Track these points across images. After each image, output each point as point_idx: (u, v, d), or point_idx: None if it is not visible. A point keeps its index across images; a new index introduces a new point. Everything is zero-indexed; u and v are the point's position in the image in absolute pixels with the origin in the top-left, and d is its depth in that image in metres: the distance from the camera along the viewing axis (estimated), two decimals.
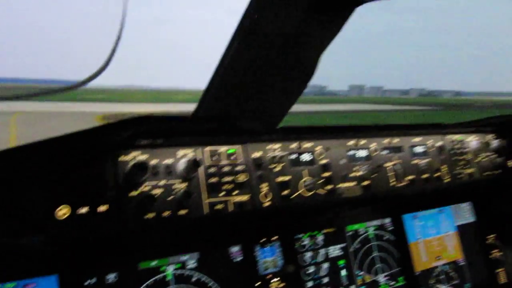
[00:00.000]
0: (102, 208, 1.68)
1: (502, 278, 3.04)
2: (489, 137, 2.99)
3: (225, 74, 1.92)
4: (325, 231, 2.48)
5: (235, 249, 2.19)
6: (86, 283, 1.82)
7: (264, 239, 2.27)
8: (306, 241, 2.41)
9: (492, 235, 3.08)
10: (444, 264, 2.86)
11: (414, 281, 2.70)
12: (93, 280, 1.83)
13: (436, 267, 2.82)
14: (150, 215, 1.77)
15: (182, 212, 1.84)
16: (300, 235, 2.40)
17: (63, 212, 1.61)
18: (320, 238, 2.45)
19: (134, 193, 1.76)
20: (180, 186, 1.86)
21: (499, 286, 3.01)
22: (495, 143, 2.93)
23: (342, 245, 2.52)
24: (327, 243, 2.48)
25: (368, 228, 2.64)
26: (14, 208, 1.55)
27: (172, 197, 1.83)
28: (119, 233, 1.74)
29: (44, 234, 1.59)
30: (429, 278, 2.77)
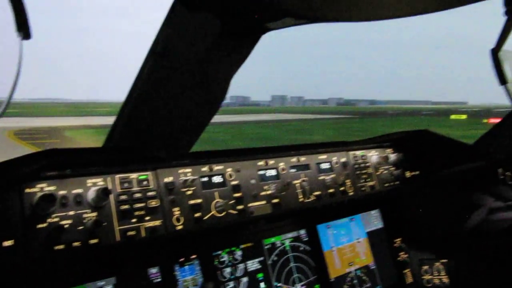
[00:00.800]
0: (7, 243, 1.62)
1: (409, 278, 3.29)
2: (388, 151, 3.25)
3: (137, 100, 1.94)
4: (243, 246, 2.55)
5: (153, 270, 2.19)
6: None
7: (182, 259, 2.29)
8: (225, 257, 2.47)
9: (398, 239, 3.33)
10: (356, 269, 3.04)
11: None
12: None
13: (350, 272, 3.00)
14: (60, 247, 1.73)
15: (93, 241, 1.82)
16: (219, 252, 2.45)
17: None
18: (238, 253, 2.52)
19: (41, 225, 1.72)
20: (90, 215, 1.84)
21: (406, 286, 3.26)
22: (393, 157, 3.19)
23: (260, 258, 2.60)
24: (246, 257, 2.55)
25: (284, 240, 2.75)
26: None
27: (82, 226, 1.81)
28: (31, 265, 1.69)
29: None
30: (343, 284, 2.93)
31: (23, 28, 1.01)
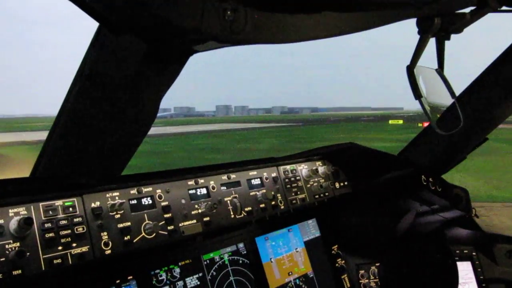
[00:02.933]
0: None
1: (347, 284, 3.41)
2: (318, 164, 3.37)
3: (63, 127, 1.92)
4: (181, 263, 2.56)
5: None
6: None
7: (118, 280, 2.27)
8: (163, 275, 2.46)
9: (335, 246, 3.45)
10: (295, 279, 3.12)
11: None
12: None
13: (289, 282, 3.07)
14: None
15: (16, 272, 1.77)
16: (157, 270, 2.45)
17: None
18: (177, 270, 2.53)
19: None
20: (12, 245, 1.80)
21: None
22: (322, 169, 3.32)
23: (199, 274, 2.62)
24: (184, 274, 2.56)
25: (223, 255, 2.78)
26: None
27: (3, 258, 1.76)
28: None
29: None
30: None
31: None
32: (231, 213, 2.65)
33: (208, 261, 2.70)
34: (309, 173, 3.20)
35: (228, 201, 2.66)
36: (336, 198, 3.29)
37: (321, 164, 3.37)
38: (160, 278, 2.45)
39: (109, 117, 1.99)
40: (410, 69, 2.18)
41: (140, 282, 2.35)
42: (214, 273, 2.70)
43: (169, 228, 2.32)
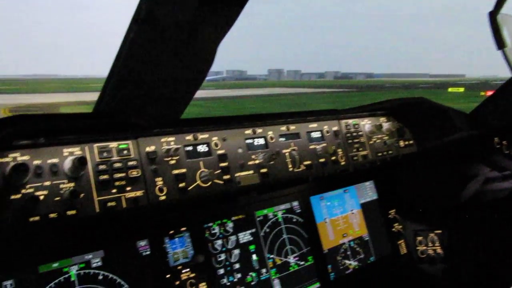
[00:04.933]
0: None
1: (403, 249, 3.28)
2: (382, 120, 3.17)
3: (122, 69, 1.86)
4: (234, 218, 2.52)
5: (142, 243, 2.16)
6: None
7: (172, 231, 2.26)
8: (216, 229, 2.43)
9: (392, 210, 3.31)
10: (350, 241, 3.02)
11: (322, 259, 2.83)
12: None
13: (343, 244, 2.98)
14: (35, 218, 1.68)
15: (71, 212, 1.76)
16: (210, 224, 2.42)
17: None
18: (229, 225, 2.49)
19: (15, 196, 1.66)
20: (67, 185, 1.78)
21: (400, 257, 3.25)
22: (386, 125, 3.11)
23: (252, 230, 2.58)
24: (237, 229, 2.52)
25: (277, 212, 2.72)
26: None
27: (58, 197, 1.75)
28: (6, 238, 1.64)
29: None
30: (336, 255, 2.92)
31: None
32: (289, 165, 2.54)
33: (261, 217, 2.64)
34: (372, 129, 3.01)
35: (286, 153, 2.55)
36: (399, 158, 3.11)
37: (385, 120, 3.17)
38: (213, 232, 2.42)
39: (165, 62, 1.91)
40: (493, 16, 1.95)
41: (193, 234, 2.33)
42: (267, 230, 2.64)
43: (224, 177, 2.25)
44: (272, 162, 2.43)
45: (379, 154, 3.01)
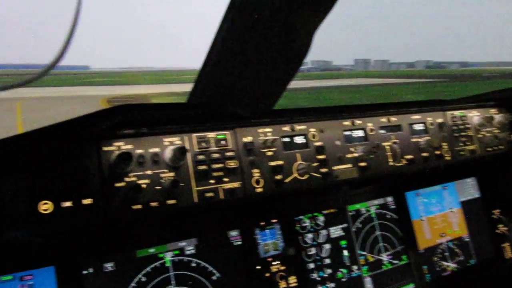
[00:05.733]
0: (87, 201, 1.66)
1: (508, 253, 3.01)
2: (492, 111, 2.90)
3: (217, 59, 1.86)
4: (325, 211, 2.45)
5: (234, 233, 2.17)
6: (83, 273, 1.81)
7: (263, 222, 2.24)
8: (307, 223, 2.38)
9: (497, 210, 3.04)
10: (448, 241, 2.82)
11: (417, 259, 2.67)
12: (91, 270, 1.82)
13: (441, 244, 2.79)
14: (138, 206, 1.74)
15: (171, 201, 1.81)
16: (301, 217, 2.37)
17: (45, 207, 1.59)
18: (321, 219, 2.43)
19: (119, 184, 1.73)
20: (167, 175, 1.83)
21: (504, 261, 2.98)
22: (498, 117, 2.84)
23: (343, 225, 2.49)
24: (328, 223, 2.45)
25: (370, 207, 2.60)
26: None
27: (159, 187, 1.80)
28: (110, 224, 1.72)
29: (27, 228, 1.57)
30: (433, 256, 2.74)
31: None
32: (390, 159, 2.41)
33: (354, 212, 2.54)
34: (482, 121, 2.78)
35: (387, 147, 2.43)
36: (509, 153, 2.83)
37: (496, 112, 2.91)
38: (303, 225, 2.37)
39: (261, 50, 1.88)
40: None
41: (284, 226, 2.30)
42: (360, 225, 2.54)
43: (322, 170, 2.19)
44: (371, 156, 2.32)
45: (489, 149, 2.76)
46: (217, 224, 2.14)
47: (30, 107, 25.01)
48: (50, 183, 1.61)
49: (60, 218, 1.61)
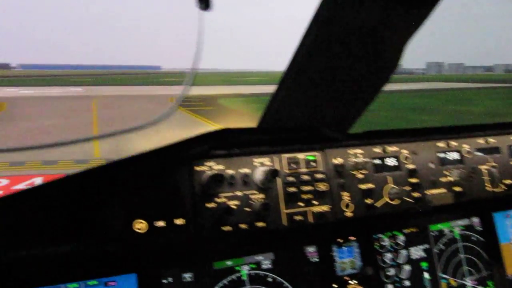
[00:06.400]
0: (179, 221, 1.69)
1: None
2: None
3: (297, 75, 1.82)
4: (406, 230, 2.33)
5: (311, 249, 2.11)
6: (163, 282, 1.84)
7: (341, 239, 2.17)
8: (386, 242, 2.27)
9: None
10: None
11: (505, 286, 2.47)
12: (170, 279, 1.85)
13: None
14: (228, 228, 1.75)
15: (260, 224, 1.80)
16: (380, 235, 2.27)
17: (140, 226, 1.64)
18: (401, 238, 2.31)
19: (210, 205, 1.74)
20: (257, 196, 1.82)
21: None
22: None
23: (425, 246, 2.36)
24: (409, 243, 2.32)
25: (454, 228, 2.44)
26: (96, 221, 1.61)
27: (249, 208, 1.79)
28: (200, 243, 1.76)
29: (122, 245, 1.64)
30: None
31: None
32: (487, 184, 2.26)
33: (436, 233, 2.39)
34: None
35: (484, 170, 2.27)
36: None
37: None
38: (382, 243, 2.27)
39: (345, 65, 1.82)
40: None
41: (362, 245, 2.21)
42: (442, 247, 2.39)
43: (414, 195, 2.10)
44: (468, 180, 2.19)
45: None
46: (294, 239, 2.10)
47: (104, 105, 26.33)
48: (144, 203, 1.66)
49: (153, 237, 1.66)
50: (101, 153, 12.67)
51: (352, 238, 2.19)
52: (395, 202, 2.05)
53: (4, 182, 9.31)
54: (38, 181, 9.38)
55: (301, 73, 1.85)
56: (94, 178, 1.65)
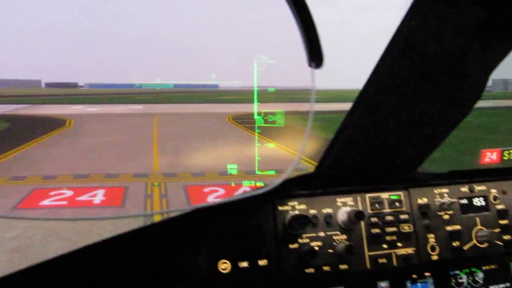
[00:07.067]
0: (262, 262, 1.67)
1: None
2: None
3: (368, 106, 1.72)
4: (485, 267, 2.13)
5: (383, 284, 1.98)
6: None
7: (415, 275, 2.01)
8: (463, 279, 2.10)
9: None
10: None
11: None
12: None
13: None
14: (311, 270, 1.70)
15: (343, 266, 1.75)
16: (457, 272, 2.09)
17: (224, 266, 1.64)
18: (479, 275, 2.12)
19: (293, 246, 1.71)
20: (340, 237, 1.76)
21: None
22: None
23: (506, 284, 2.16)
24: (488, 281, 2.14)
25: None
26: (183, 263, 1.64)
27: (332, 250, 1.74)
28: (282, 285, 1.71)
29: (208, 286, 1.65)
30: None
31: (316, 57, 0.96)
32: None
33: None
34: None
35: None
36: None
37: None
38: (459, 281, 2.09)
39: (421, 98, 1.71)
40: None
41: (438, 281, 2.05)
42: None
43: (505, 238, 1.97)
44: None
45: None
46: (366, 273, 1.97)
47: (163, 121, 27.14)
48: (229, 243, 1.66)
49: (237, 278, 1.65)
50: (160, 167, 12.98)
51: (427, 274, 2.03)
52: (484, 245, 1.94)
53: (69, 193, 9.75)
54: (100, 193, 9.72)
55: (372, 107, 1.77)
56: (182, 224, 1.69)
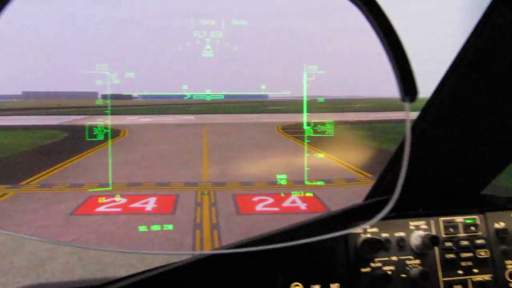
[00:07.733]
0: (334, 286, 1.64)
1: None
2: None
3: (430, 127, 1.67)
4: None
5: None
6: None
7: None
8: None
9: None
10: None
11: None
12: None
13: None
14: None
15: None
16: None
17: None
18: None
19: (365, 270, 1.67)
20: (413, 262, 1.70)
21: None
22: None
23: None
24: None
25: None
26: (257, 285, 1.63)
27: (405, 275, 1.68)
28: None
29: None
30: None
31: (411, 91, 0.89)
32: None
33: None
34: None
35: None
36: None
37: None
38: None
39: (487, 120, 1.64)
40: None
41: None
42: None
43: None
44: None
45: None
46: None
47: (212, 132, 27.55)
48: (301, 266, 1.64)
49: None
50: (209, 176, 13.15)
51: None
52: None
53: (123, 200, 10.06)
54: (152, 200, 9.97)
55: (438, 126, 1.71)
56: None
